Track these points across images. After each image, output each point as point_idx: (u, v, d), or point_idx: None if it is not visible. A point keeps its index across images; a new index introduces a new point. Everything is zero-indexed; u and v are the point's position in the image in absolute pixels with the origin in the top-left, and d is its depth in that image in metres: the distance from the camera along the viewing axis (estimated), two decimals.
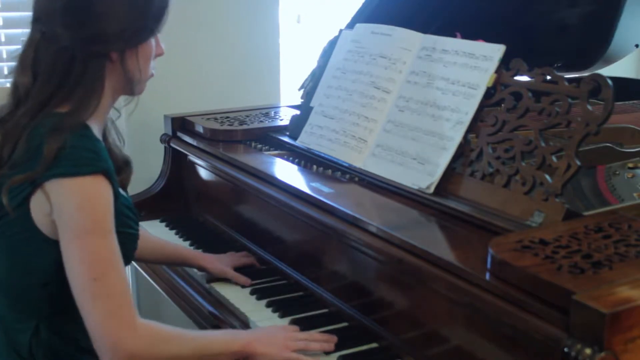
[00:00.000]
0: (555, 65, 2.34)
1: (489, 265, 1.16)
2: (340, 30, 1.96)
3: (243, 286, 1.69)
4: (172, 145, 2.18)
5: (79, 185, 1.22)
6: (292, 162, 1.86)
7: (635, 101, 2.26)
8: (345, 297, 1.53)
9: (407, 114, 1.63)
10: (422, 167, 1.54)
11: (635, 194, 1.56)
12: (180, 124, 2.19)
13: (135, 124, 2.52)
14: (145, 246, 1.71)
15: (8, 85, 1.36)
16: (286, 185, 1.67)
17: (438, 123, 1.55)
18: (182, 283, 1.82)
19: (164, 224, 2.14)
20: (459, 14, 2.13)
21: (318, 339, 1.39)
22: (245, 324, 1.55)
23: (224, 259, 1.78)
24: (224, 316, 1.60)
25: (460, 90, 1.54)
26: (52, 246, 1.26)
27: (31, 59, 1.30)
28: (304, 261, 1.67)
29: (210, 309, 1.65)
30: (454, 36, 1.64)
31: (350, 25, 1.94)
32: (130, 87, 1.37)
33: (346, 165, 1.72)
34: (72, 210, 1.21)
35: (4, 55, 2.38)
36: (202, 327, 1.67)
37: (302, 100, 2.01)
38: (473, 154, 1.48)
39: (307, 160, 1.84)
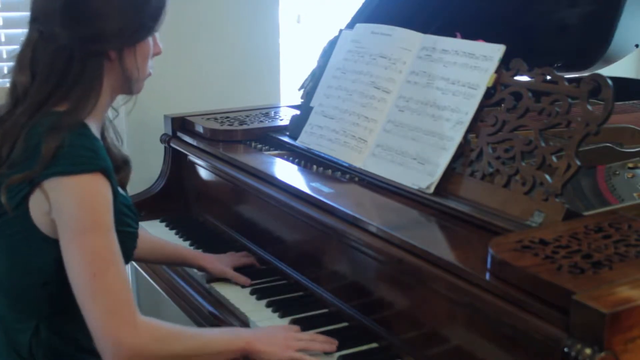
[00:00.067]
0: (555, 65, 2.34)
1: (489, 265, 1.16)
2: (340, 30, 1.96)
3: (243, 286, 1.69)
4: (172, 145, 2.18)
5: (78, 183, 1.22)
6: (292, 162, 1.86)
7: (635, 101, 2.26)
8: (345, 297, 1.53)
9: (407, 114, 1.63)
10: (422, 167, 1.54)
11: (635, 194, 1.56)
12: (180, 124, 2.19)
13: (135, 124, 2.52)
14: (145, 246, 1.71)
15: (8, 85, 1.36)
16: (286, 185, 1.67)
17: (438, 123, 1.55)
18: (182, 283, 1.82)
19: (164, 224, 2.14)
20: (459, 14, 2.13)
21: (319, 340, 1.39)
22: (245, 324, 1.55)
23: (224, 259, 1.78)
24: (224, 316, 1.60)
25: (460, 90, 1.54)
26: (52, 245, 1.26)
27: (29, 59, 1.31)
28: (304, 261, 1.67)
29: (210, 309, 1.65)
30: (454, 36, 1.64)
31: (350, 25, 1.94)
32: (129, 85, 1.37)
33: (346, 165, 1.72)
34: (72, 208, 1.21)
35: (4, 55, 2.38)
36: (201, 327, 1.67)
37: (302, 100, 2.01)
38: (473, 154, 1.48)
39: (307, 160, 1.84)
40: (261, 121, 2.15)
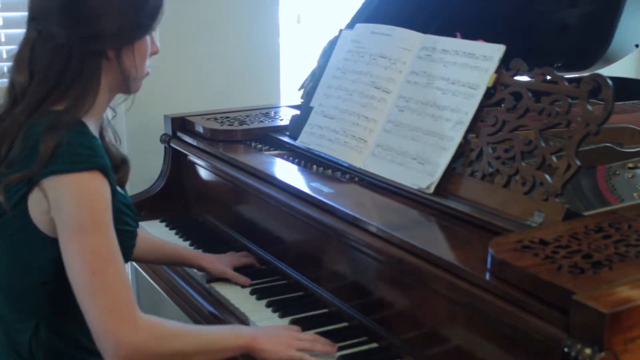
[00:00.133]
0: (555, 65, 2.34)
1: (489, 265, 1.16)
2: (340, 30, 1.96)
3: (243, 286, 1.69)
4: (172, 145, 2.18)
5: (76, 181, 1.22)
6: (292, 162, 1.86)
7: (635, 101, 2.26)
8: (345, 297, 1.53)
9: (407, 114, 1.63)
10: (422, 167, 1.54)
11: (635, 194, 1.56)
12: (180, 124, 2.19)
13: (135, 124, 2.52)
14: (145, 246, 1.71)
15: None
16: (286, 185, 1.67)
17: (438, 123, 1.55)
18: (182, 283, 1.82)
19: (164, 224, 2.14)
20: (459, 14, 2.13)
21: (320, 342, 1.39)
22: (245, 324, 1.55)
23: (224, 259, 1.78)
24: (224, 316, 1.60)
25: (460, 90, 1.54)
26: (51, 244, 1.26)
27: (27, 58, 1.31)
28: (304, 261, 1.67)
29: (210, 309, 1.65)
30: (454, 36, 1.64)
31: (350, 25, 1.94)
32: (127, 84, 1.37)
33: (346, 165, 1.72)
34: (70, 206, 1.22)
35: (4, 55, 2.38)
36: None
37: (302, 100, 2.01)
38: (473, 154, 1.48)
39: (307, 160, 1.84)
40: (261, 121, 2.15)
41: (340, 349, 1.40)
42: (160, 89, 2.52)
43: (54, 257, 1.26)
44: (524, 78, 1.47)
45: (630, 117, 2.01)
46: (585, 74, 1.46)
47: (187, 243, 1.98)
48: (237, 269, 1.74)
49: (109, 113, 1.46)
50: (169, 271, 1.90)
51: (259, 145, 2.00)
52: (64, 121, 1.25)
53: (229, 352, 1.35)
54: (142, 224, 2.10)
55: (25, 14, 1.34)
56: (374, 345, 1.43)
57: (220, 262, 1.76)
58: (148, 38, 1.37)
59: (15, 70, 1.32)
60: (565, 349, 0.98)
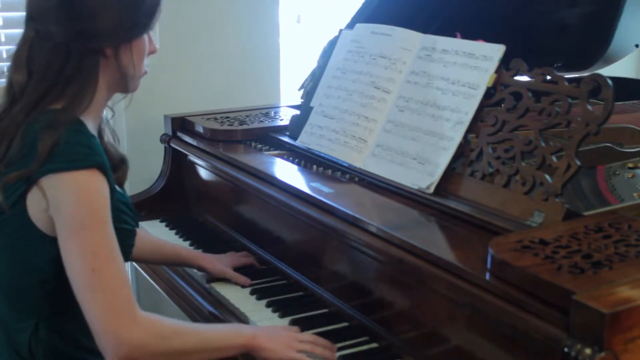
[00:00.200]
0: (555, 65, 2.34)
1: (489, 265, 1.16)
2: (340, 30, 1.96)
3: (243, 286, 1.69)
4: (172, 145, 2.18)
5: (75, 179, 1.22)
6: (292, 162, 1.86)
7: (635, 101, 2.26)
8: (345, 297, 1.53)
9: (407, 114, 1.63)
10: (422, 167, 1.54)
11: (635, 194, 1.56)
12: (180, 124, 2.19)
13: (135, 124, 2.52)
14: (145, 247, 1.71)
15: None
16: (286, 185, 1.67)
17: (438, 123, 1.55)
18: (182, 283, 1.82)
19: (164, 224, 2.14)
20: (459, 14, 2.13)
21: (320, 344, 1.39)
22: (245, 324, 1.55)
23: (224, 259, 1.78)
24: (224, 316, 1.60)
25: (460, 90, 1.54)
26: (50, 243, 1.26)
27: (26, 57, 1.31)
28: (304, 261, 1.67)
29: (210, 309, 1.65)
30: (454, 36, 1.64)
31: (350, 25, 1.94)
32: (125, 83, 1.38)
33: (346, 165, 1.72)
34: (69, 204, 1.22)
35: (4, 55, 2.38)
36: None
37: (302, 100, 2.01)
38: (473, 154, 1.48)
39: (307, 160, 1.84)
40: (261, 121, 2.15)
41: (340, 349, 1.40)
42: (160, 89, 2.52)
43: (53, 256, 1.26)
44: (524, 78, 1.47)
45: (630, 117, 2.01)
46: (585, 74, 1.46)
47: (187, 243, 1.98)
48: (237, 269, 1.74)
49: (107, 113, 1.46)
50: (169, 271, 1.90)
51: (259, 145, 2.00)
52: (62, 120, 1.25)
53: (229, 351, 1.35)
54: (142, 224, 2.10)
55: (25, 14, 1.35)
56: (374, 345, 1.43)
57: (220, 262, 1.76)
58: (146, 37, 1.37)
59: (14, 69, 1.33)
60: (565, 349, 0.98)
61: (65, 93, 1.29)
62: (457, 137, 1.50)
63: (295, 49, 2.99)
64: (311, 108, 1.89)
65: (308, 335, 1.42)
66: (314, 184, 1.65)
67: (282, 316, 1.54)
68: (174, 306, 1.86)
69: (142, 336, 1.22)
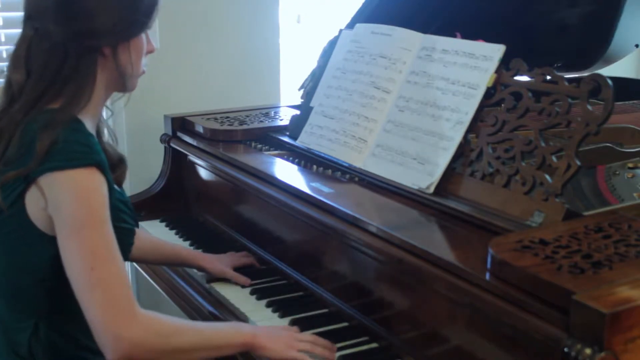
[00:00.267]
0: (555, 65, 2.34)
1: (489, 265, 1.16)
2: (340, 30, 1.96)
3: (243, 286, 1.69)
4: (172, 145, 2.18)
5: (73, 177, 1.22)
6: (292, 162, 1.86)
7: (635, 101, 2.26)
8: (345, 297, 1.53)
9: (407, 114, 1.63)
10: (422, 167, 1.54)
11: (635, 194, 1.56)
12: (180, 124, 2.19)
13: (135, 124, 2.52)
14: (145, 247, 1.71)
15: None
16: (286, 185, 1.67)
17: (438, 123, 1.55)
18: (182, 283, 1.82)
19: (164, 224, 2.14)
20: (459, 14, 2.13)
21: (320, 344, 1.39)
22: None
23: (224, 259, 1.78)
24: (224, 316, 1.60)
25: (460, 90, 1.54)
26: (49, 242, 1.26)
27: (24, 56, 1.31)
28: (304, 261, 1.67)
29: (210, 309, 1.65)
30: (454, 36, 1.64)
31: (350, 25, 1.94)
32: (123, 82, 1.38)
33: (346, 165, 1.72)
34: (68, 202, 1.22)
35: (4, 55, 2.38)
36: None
37: (302, 100, 2.01)
38: (473, 154, 1.48)
39: (307, 160, 1.84)
40: (261, 121, 2.15)
41: (340, 349, 1.40)
42: (160, 89, 2.52)
43: (52, 255, 1.26)
44: (524, 78, 1.47)
45: (630, 117, 2.01)
46: (585, 74, 1.45)
47: (187, 243, 1.98)
48: (237, 269, 1.74)
49: (105, 112, 1.46)
50: (169, 271, 1.90)
51: (259, 145, 2.00)
52: (60, 119, 1.26)
53: (229, 349, 1.35)
54: (142, 224, 2.10)
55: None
56: (374, 345, 1.43)
57: (220, 262, 1.76)
58: (144, 36, 1.37)
59: (12, 68, 1.33)
60: (565, 349, 0.98)
61: (64, 92, 1.30)
62: (457, 137, 1.50)
63: (295, 49, 2.99)
64: (311, 108, 1.89)
65: (308, 335, 1.42)
66: (314, 184, 1.65)
67: (282, 316, 1.54)
68: (174, 306, 1.86)
69: (141, 334, 1.22)
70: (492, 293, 1.14)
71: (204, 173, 2.11)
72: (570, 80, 1.38)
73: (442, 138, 1.53)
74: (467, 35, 1.62)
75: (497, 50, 1.51)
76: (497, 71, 1.50)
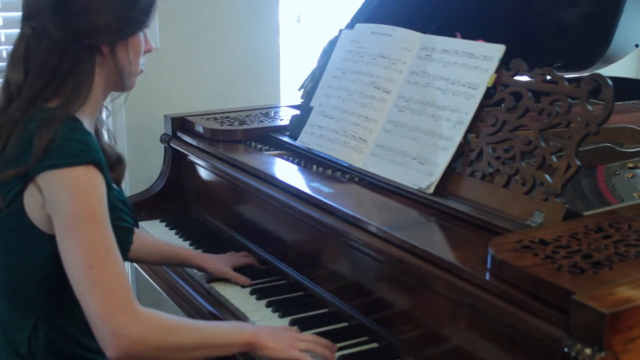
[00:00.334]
0: (555, 65, 2.34)
1: (489, 265, 1.16)
2: (340, 30, 1.96)
3: (243, 286, 1.69)
4: (172, 145, 2.18)
5: (71, 175, 1.22)
6: (292, 162, 1.86)
7: (635, 101, 2.26)
8: (345, 297, 1.53)
9: (407, 114, 1.63)
10: (422, 167, 1.54)
11: (635, 194, 1.56)
12: (180, 124, 2.19)
13: (135, 124, 2.52)
14: (144, 247, 1.71)
15: None
16: (286, 185, 1.67)
17: (438, 123, 1.55)
18: (182, 283, 1.82)
19: (164, 224, 2.14)
20: (459, 14, 2.13)
21: (321, 343, 1.39)
22: None
23: (224, 259, 1.78)
24: (223, 316, 1.60)
25: (460, 90, 1.54)
26: (48, 241, 1.26)
27: (22, 55, 1.32)
28: (304, 261, 1.67)
29: (210, 309, 1.65)
30: (454, 36, 1.64)
31: (350, 25, 1.94)
32: (121, 80, 1.38)
33: (346, 165, 1.72)
34: (66, 200, 1.22)
35: (4, 55, 2.38)
36: None
37: (302, 100, 2.01)
38: (473, 154, 1.48)
39: (307, 160, 1.84)
40: (261, 121, 2.15)
41: (340, 349, 1.40)
42: (160, 89, 2.52)
43: (51, 254, 1.26)
44: (524, 78, 1.47)
45: (630, 117, 2.01)
46: (585, 74, 1.45)
47: (187, 243, 1.98)
48: (237, 269, 1.74)
49: (103, 113, 1.46)
50: (169, 271, 1.90)
51: (259, 145, 2.00)
52: (58, 117, 1.26)
53: (230, 349, 1.35)
54: (142, 224, 2.10)
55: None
56: (374, 345, 1.43)
57: (220, 262, 1.76)
58: (142, 35, 1.37)
59: (10, 68, 1.33)
60: (565, 349, 0.98)
61: (62, 90, 1.30)
62: (457, 137, 1.50)
63: (295, 49, 2.99)
64: (311, 108, 1.89)
65: (309, 335, 1.42)
66: (314, 184, 1.65)
67: (282, 316, 1.54)
68: (174, 306, 1.86)
69: (141, 331, 1.22)
70: (492, 293, 1.14)
71: (204, 173, 2.11)
72: (570, 80, 1.38)
73: (442, 138, 1.53)
74: (467, 35, 1.62)
75: (497, 50, 1.51)
76: (497, 71, 1.50)
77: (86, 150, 1.25)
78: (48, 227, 1.26)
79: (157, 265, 1.93)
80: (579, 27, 2.36)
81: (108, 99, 1.46)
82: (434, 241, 1.38)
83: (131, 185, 2.49)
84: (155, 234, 2.00)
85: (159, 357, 1.26)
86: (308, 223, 1.60)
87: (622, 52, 2.47)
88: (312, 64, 2.05)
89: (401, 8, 2.08)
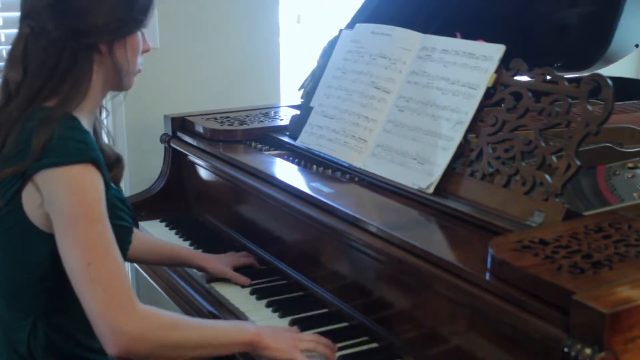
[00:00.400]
0: (555, 65, 2.34)
1: (489, 265, 1.16)
2: (340, 30, 1.96)
3: (243, 286, 1.69)
4: (172, 145, 2.18)
5: (69, 173, 1.22)
6: (292, 162, 1.86)
7: (635, 101, 2.26)
8: (345, 297, 1.53)
9: (407, 114, 1.63)
10: (422, 167, 1.54)
11: (635, 194, 1.56)
12: (180, 124, 2.19)
13: (135, 124, 2.52)
14: (144, 247, 1.71)
15: None
16: (286, 185, 1.67)
17: (438, 123, 1.55)
18: (182, 283, 1.82)
19: (164, 224, 2.14)
20: (459, 14, 2.13)
21: (323, 343, 1.39)
22: None
23: (224, 259, 1.78)
24: (223, 316, 1.60)
25: (460, 90, 1.54)
26: (47, 240, 1.26)
27: (21, 55, 1.32)
28: (304, 261, 1.67)
29: (210, 309, 1.65)
30: (454, 36, 1.64)
31: (350, 25, 1.94)
32: (119, 79, 1.38)
33: (346, 165, 1.72)
34: (64, 198, 1.22)
35: (4, 55, 2.38)
36: None
37: (302, 100, 2.01)
38: (473, 154, 1.48)
39: (307, 160, 1.84)
40: (261, 121, 2.15)
41: (340, 349, 1.40)
42: (160, 89, 2.52)
43: (50, 252, 1.26)
44: (524, 78, 1.47)
45: (630, 117, 2.01)
46: (585, 74, 1.45)
47: (187, 243, 1.98)
48: (237, 269, 1.74)
49: (105, 113, 1.47)
50: (169, 271, 1.90)
51: (259, 145, 2.00)
52: (56, 116, 1.26)
53: (231, 348, 1.34)
54: (142, 224, 2.11)
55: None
56: (374, 345, 1.43)
57: (220, 262, 1.76)
58: (140, 34, 1.38)
59: (9, 67, 1.34)
60: (565, 349, 0.98)
61: (60, 89, 1.30)
62: (457, 137, 1.50)
63: (295, 49, 2.99)
64: (311, 108, 1.89)
65: (310, 335, 1.42)
66: (314, 184, 1.65)
67: (282, 316, 1.54)
68: (174, 306, 1.86)
69: (140, 328, 1.22)
70: (492, 293, 1.14)
71: (204, 173, 2.11)
72: (570, 80, 1.38)
73: (442, 138, 1.53)
74: (467, 35, 1.62)
75: (497, 50, 1.51)
76: (497, 71, 1.50)
77: (84, 148, 1.25)
78: (47, 226, 1.26)
79: (157, 265, 1.93)
80: (579, 27, 2.36)
81: (107, 97, 1.46)
82: (434, 241, 1.38)
83: (131, 185, 2.49)
84: (155, 234, 2.00)
85: (159, 355, 1.26)
86: (308, 223, 1.60)
87: (622, 52, 2.47)
88: (312, 64, 2.05)
89: (401, 8, 2.08)
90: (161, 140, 2.22)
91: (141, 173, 2.47)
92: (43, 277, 1.31)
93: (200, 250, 1.89)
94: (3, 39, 2.38)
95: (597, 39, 2.38)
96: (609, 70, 2.38)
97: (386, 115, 1.68)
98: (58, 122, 1.25)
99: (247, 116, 2.20)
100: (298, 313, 1.54)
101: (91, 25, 1.29)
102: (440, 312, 1.28)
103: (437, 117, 1.56)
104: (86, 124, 1.33)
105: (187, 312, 1.77)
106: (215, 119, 2.16)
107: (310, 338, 1.39)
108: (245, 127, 2.08)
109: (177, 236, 2.04)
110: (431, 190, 1.50)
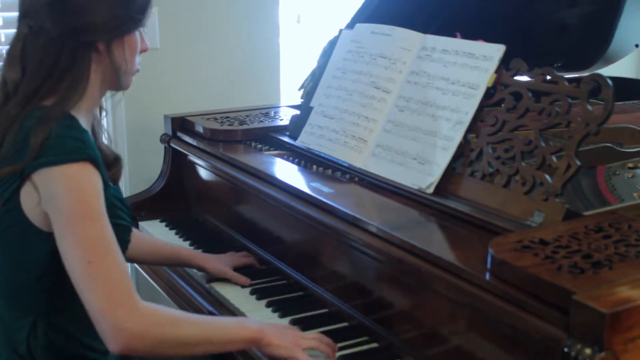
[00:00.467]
0: (555, 65, 2.34)
1: (489, 265, 1.16)
2: (340, 30, 1.96)
3: (243, 286, 1.69)
4: (172, 145, 2.18)
5: (67, 172, 1.23)
6: (292, 162, 1.86)
7: (635, 101, 2.26)
8: (345, 297, 1.53)
9: (407, 114, 1.63)
10: (422, 167, 1.54)
11: (635, 194, 1.56)
12: (180, 124, 2.19)
13: (135, 124, 2.52)
14: (144, 247, 1.72)
15: None
16: (286, 185, 1.67)
17: (438, 123, 1.55)
18: (182, 283, 1.82)
19: (164, 224, 2.14)
20: (459, 14, 2.13)
21: (325, 342, 1.38)
22: None
23: (224, 259, 1.78)
24: (224, 316, 1.60)
25: (460, 90, 1.54)
26: (46, 239, 1.27)
27: (19, 54, 1.33)
28: (304, 261, 1.67)
29: (210, 309, 1.65)
30: (454, 36, 1.64)
31: (350, 25, 1.94)
32: (117, 78, 1.38)
33: (346, 165, 1.72)
34: (62, 196, 1.22)
35: (4, 54, 2.38)
36: None
37: (302, 100, 2.01)
38: (473, 154, 1.48)
39: (307, 160, 1.84)
40: (261, 121, 2.15)
41: (341, 349, 1.40)
42: (160, 89, 2.52)
43: (49, 252, 1.26)
44: (524, 78, 1.47)
45: (630, 117, 2.01)
46: (585, 74, 1.45)
47: (187, 243, 1.98)
48: (237, 269, 1.74)
49: (100, 112, 1.47)
50: (169, 271, 1.90)
51: (259, 145, 2.00)
52: (54, 115, 1.27)
53: (234, 344, 1.34)
54: (142, 224, 2.11)
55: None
56: (374, 345, 1.43)
57: (220, 262, 1.76)
58: (138, 34, 1.38)
59: (7, 66, 1.34)
60: (565, 349, 0.98)
61: (58, 88, 1.31)
62: (457, 137, 1.50)
63: (295, 49, 2.99)
64: (311, 108, 1.89)
65: (312, 333, 1.42)
66: (314, 184, 1.65)
67: (282, 316, 1.54)
68: (174, 306, 1.86)
69: (141, 325, 1.22)
70: (492, 293, 1.14)
71: (204, 173, 2.11)
72: (570, 80, 1.38)
73: (442, 138, 1.53)
74: (467, 35, 1.62)
75: (497, 50, 1.51)
76: (497, 71, 1.50)
77: (82, 147, 1.25)
78: (45, 225, 1.26)
79: (157, 265, 1.93)
80: (579, 27, 2.36)
81: (107, 97, 1.46)
82: (434, 241, 1.38)
83: (131, 185, 2.49)
84: (155, 234, 2.00)
85: (161, 351, 1.26)
86: (308, 223, 1.60)
87: (622, 52, 2.47)
88: (312, 64, 2.05)
89: (401, 8, 2.08)
90: (161, 140, 2.22)
91: (141, 173, 2.47)
92: (42, 276, 1.31)
93: (200, 250, 1.89)
94: (3, 39, 2.38)
95: (597, 39, 2.38)
96: (609, 70, 2.38)
97: (386, 115, 1.68)
98: (56, 120, 1.25)
99: (247, 116, 2.20)
100: (298, 313, 1.54)
101: (89, 24, 1.30)
102: (440, 312, 1.28)
103: (437, 117, 1.56)
104: (84, 122, 1.33)
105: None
106: (215, 119, 2.16)
107: (312, 336, 1.39)
108: (245, 127, 2.08)
109: (177, 236, 2.04)
110: (431, 190, 1.50)
